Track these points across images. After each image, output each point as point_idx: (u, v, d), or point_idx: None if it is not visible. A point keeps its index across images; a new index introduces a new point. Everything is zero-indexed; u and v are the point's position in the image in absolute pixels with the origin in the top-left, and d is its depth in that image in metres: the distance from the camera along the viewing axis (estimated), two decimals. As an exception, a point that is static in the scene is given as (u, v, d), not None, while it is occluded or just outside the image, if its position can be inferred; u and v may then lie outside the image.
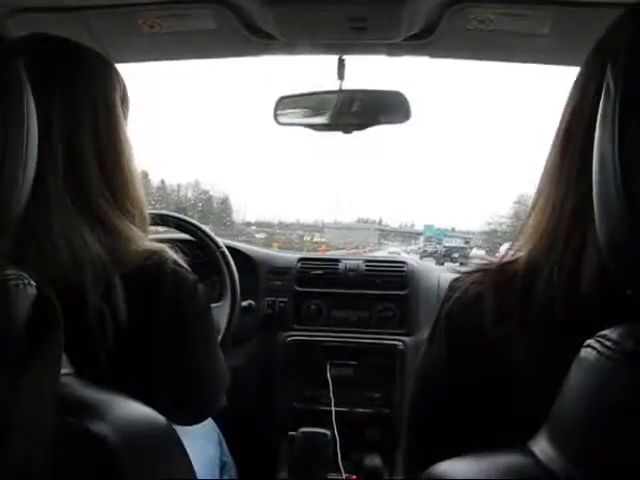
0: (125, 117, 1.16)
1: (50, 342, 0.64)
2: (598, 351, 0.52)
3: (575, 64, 1.61)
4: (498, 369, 0.75)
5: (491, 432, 0.65)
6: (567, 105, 0.81)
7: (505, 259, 0.84)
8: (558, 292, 0.71)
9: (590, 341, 0.53)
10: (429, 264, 2.67)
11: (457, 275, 0.90)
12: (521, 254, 0.82)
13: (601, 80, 0.56)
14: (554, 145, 0.81)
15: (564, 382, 0.55)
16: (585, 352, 0.53)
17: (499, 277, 0.80)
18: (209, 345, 1.18)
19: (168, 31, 1.55)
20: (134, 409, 0.74)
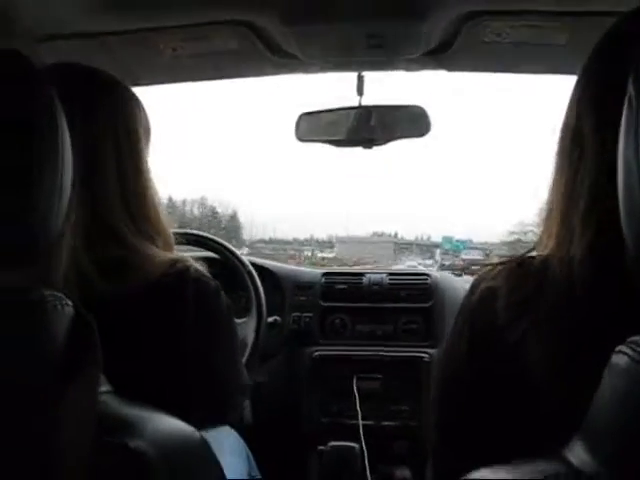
0: (147, 146, 1.18)
1: (89, 362, 0.65)
2: (630, 357, 0.52)
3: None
4: (514, 366, 0.76)
5: (514, 430, 0.66)
6: (570, 110, 0.82)
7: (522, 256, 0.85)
8: (568, 287, 0.72)
9: (621, 347, 0.53)
10: (451, 275, 2.67)
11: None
12: (538, 253, 0.83)
13: (603, 84, 0.57)
14: (558, 150, 0.83)
15: (598, 389, 0.55)
16: (617, 358, 0.53)
17: (515, 274, 0.81)
18: (233, 349, 1.21)
19: (190, 53, 1.58)
20: (170, 424, 0.75)
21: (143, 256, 1.06)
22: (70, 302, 0.66)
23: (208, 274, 1.14)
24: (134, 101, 1.16)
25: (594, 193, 0.73)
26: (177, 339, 1.06)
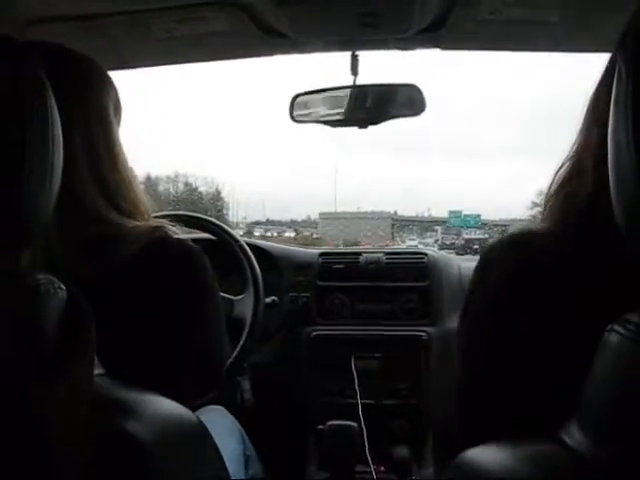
0: (118, 123, 1.18)
1: (84, 345, 0.66)
2: (621, 334, 0.53)
3: (584, 51, 1.62)
4: (530, 341, 0.76)
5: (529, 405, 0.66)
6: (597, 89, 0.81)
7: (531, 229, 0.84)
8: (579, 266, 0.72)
9: (613, 325, 0.54)
10: (449, 255, 2.67)
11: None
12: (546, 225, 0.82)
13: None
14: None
15: (591, 368, 0.56)
16: (608, 336, 0.54)
17: (531, 248, 0.81)
18: (219, 316, 1.20)
19: (183, 34, 1.57)
20: (166, 406, 0.76)
21: (121, 230, 1.05)
22: (63, 286, 0.67)
23: (187, 239, 1.15)
24: (104, 77, 1.15)
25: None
26: (166, 307, 1.06)
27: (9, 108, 0.62)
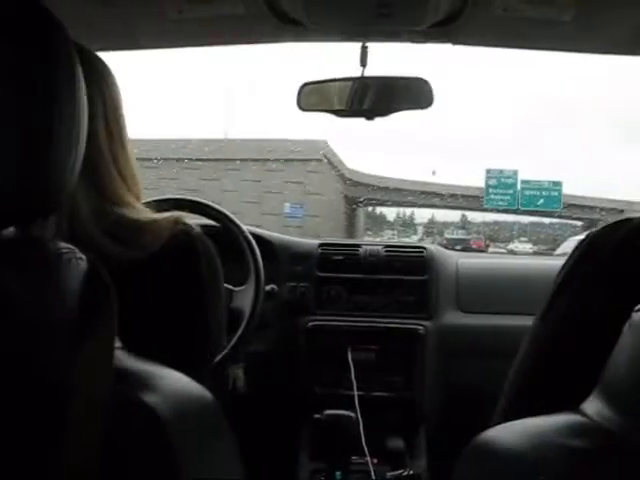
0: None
1: (105, 316, 0.66)
2: None
3: (598, 51, 1.63)
4: None
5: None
6: None
7: None
8: None
9: (638, 307, 0.55)
10: (448, 250, 2.69)
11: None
12: None
13: None
14: None
15: (616, 345, 0.57)
16: (637, 315, 0.55)
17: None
18: (222, 310, 1.24)
19: (195, 16, 1.56)
20: (183, 383, 0.75)
21: (144, 217, 1.09)
22: (84, 256, 0.67)
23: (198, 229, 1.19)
24: (111, 73, 1.18)
25: None
26: (193, 296, 1.13)
27: (40, 76, 0.62)
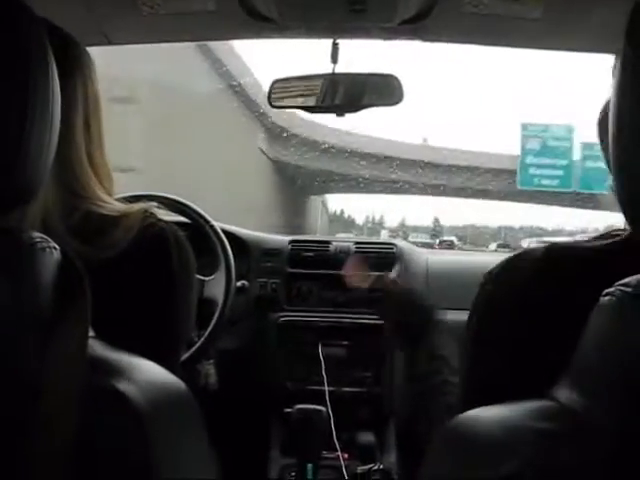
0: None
1: (78, 305, 0.66)
2: (616, 296, 0.55)
3: (566, 49, 1.65)
4: None
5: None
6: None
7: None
8: None
9: (609, 289, 0.56)
10: (416, 247, 2.71)
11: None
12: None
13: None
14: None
15: (584, 330, 0.58)
16: (604, 300, 0.56)
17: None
18: (193, 301, 1.24)
19: (167, 12, 1.56)
20: (158, 373, 0.76)
21: (114, 211, 1.08)
22: (57, 246, 0.67)
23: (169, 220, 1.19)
24: (91, 61, 1.18)
25: None
26: (164, 290, 1.12)
27: (12, 66, 0.61)
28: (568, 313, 0.65)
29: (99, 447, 0.63)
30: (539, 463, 0.52)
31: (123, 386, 0.65)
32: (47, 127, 0.65)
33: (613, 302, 0.55)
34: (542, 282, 0.79)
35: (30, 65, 0.63)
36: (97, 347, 0.70)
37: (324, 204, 27.23)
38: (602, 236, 0.84)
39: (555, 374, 0.60)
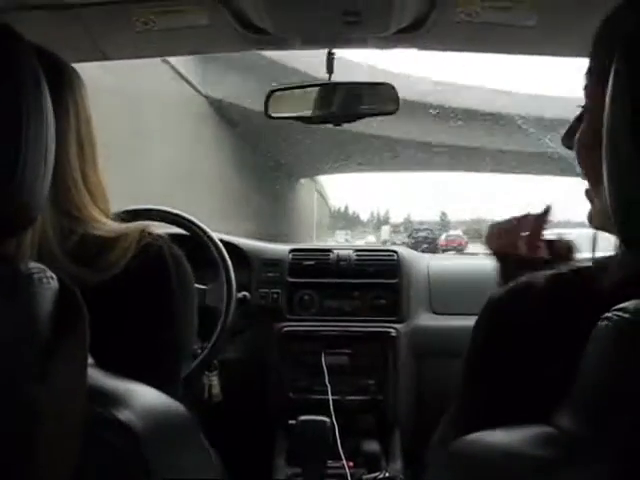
0: None
1: (77, 334, 0.66)
2: (612, 321, 0.55)
3: (562, 55, 1.66)
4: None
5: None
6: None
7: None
8: None
9: (607, 314, 0.56)
10: (418, 253, 2.71)
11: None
12: None
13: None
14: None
15: (583, 356, 0.58)
16: (601, 324, 0.57)
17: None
18: (194, 316, 1.23)
19: (162, 28, 1.56)
20: (156, 398, 0.76)
21: (111, 232, 1.08)
22: (54, 275, 0.67)
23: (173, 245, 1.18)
24: (82, 82, 1.18)
25: None
26: (164, 310, 1.12)
27: (4, 92, 0.61)
28: (571, 338, 0.65)
29: (100, 476, 0.63)
30: None
31: (123, 414, 0.65)
32: (42, 152, 0.65)
33: (610, 328, 0.55)
34: (545, 308, 0.79)
35: (22, 90, 0.63)
36: (96, 376, 0.70)
37: (320, 193, 26.12)
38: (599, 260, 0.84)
39: (557, 398, 0.59)
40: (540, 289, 0.80)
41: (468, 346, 0.91)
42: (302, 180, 22.02)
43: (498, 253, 1.28)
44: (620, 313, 0.55)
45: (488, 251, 1.29)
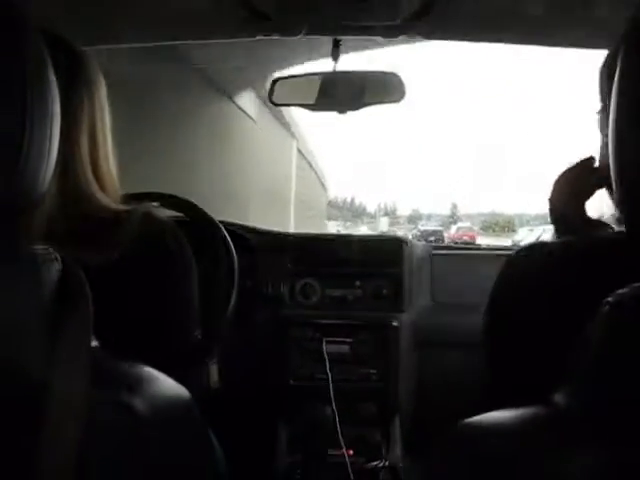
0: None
1: (80, 314, 0.66)
2: (611, 304, 0.56)
3: (568, 45, 1.65)
4: None
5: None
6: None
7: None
8: None
9: (608, 299, 0.57)
10: (421, 243, 2.71)
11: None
12: None
13: None
14: None
15: (581, 336, 0.59)
16: (603, 309, 0.57)
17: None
18: (194, 298, 1.26)
19: (165, 14, 1.55)
20: (163, 383, 0.76)
21: (114, 210, 1.09)
22: (58, 256, 0.67)
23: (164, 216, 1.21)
24: (100, 75, 1.17)
25: None
26: (166, 289, 1.15)
27: (10, 77, 0.61)
28: (585, 300, 0.65)
29: (103, 458, 0.63)
30: (539, 471, 0.53)
31: (129, 398, 0.65)
32: (46, 133, 0.65)
33: (608, 310, 0.56)
34: (559, 268, 0.80)
35: (27, 80, 0.62)
36: (102, 359, 0.71)
37: (300, 150, 21.92)
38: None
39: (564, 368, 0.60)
40: (555, 249, 0.81)
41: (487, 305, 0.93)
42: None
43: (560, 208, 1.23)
44: (622, 297, 0.55)
45: (550, 206, 1.25)
